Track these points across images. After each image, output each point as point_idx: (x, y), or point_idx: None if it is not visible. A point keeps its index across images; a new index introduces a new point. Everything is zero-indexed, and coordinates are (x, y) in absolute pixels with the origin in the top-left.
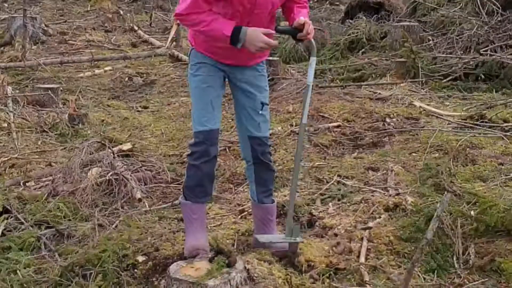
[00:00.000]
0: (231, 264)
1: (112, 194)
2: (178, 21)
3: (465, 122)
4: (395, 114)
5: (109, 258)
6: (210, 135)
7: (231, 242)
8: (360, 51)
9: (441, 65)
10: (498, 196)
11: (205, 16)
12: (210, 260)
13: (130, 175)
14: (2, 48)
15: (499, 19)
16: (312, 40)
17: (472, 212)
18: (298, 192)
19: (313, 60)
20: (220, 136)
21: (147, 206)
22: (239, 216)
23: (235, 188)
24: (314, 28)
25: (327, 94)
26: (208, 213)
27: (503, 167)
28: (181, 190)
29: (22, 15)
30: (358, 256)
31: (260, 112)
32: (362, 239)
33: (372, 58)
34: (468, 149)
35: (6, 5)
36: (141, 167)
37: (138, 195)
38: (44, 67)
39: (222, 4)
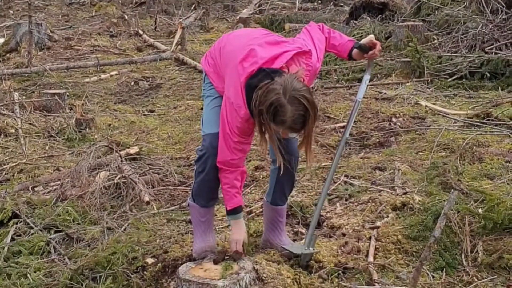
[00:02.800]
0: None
1: (120, 197)
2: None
3: (471, 121)
4: (401, 113)
5: (118, 260)
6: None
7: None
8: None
9: (446, 64)
10: (505, 194)
11: (234, 178)
12: (215, 262)
13: (138, 178)
14: (8, 55)
15: (503, 17)
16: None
17: (479, 210)
18: (305, 192)
19: (368, 78)
20: None
21: (155, 209)
22: (247, 218)
23: (243, 189)
24: None
25: (333, 94)
26: (216, 215)
27: (510, 164)
28: (189, 192)
29: (27, 21)
30: (367, 255)
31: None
32: (370, 238)
33: (377, 58)
34: (474, 147)
35: (11, 12)
36: (148, 170)
37: (146, 198)
38: (50, 72)
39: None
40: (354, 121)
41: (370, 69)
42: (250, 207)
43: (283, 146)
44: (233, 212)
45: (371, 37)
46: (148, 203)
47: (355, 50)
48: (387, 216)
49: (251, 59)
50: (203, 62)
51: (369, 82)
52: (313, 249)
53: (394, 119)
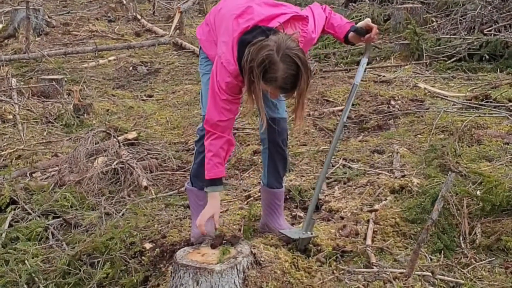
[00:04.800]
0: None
1: (118, 182)
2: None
3: (470, 103)
4: (399, 96)
5: (116, 246)
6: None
7: (237, 227)
8: None
9: (445, 46)
10: (503, 175)
11: (219, 146)
12: (212, 246)
13: (136, 164)
14: (6, 41)
15: None
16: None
17: (478, 192)
18: (303, 176)
19: (365, 61)
20: None
21: (154, 194)
22: (245, 202)
23: (241, 174)
24: None
25: (332, 78)
26: None
27: (508, 146)
28: (187, 176)
29: (25, 7)
30: (365, 238)
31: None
32: (368, 221)
33: (375, 41)
34: (473, 129)
35: None
36: (146, 155)
37: (144, 183)
38: (48, 58)
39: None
40: (353, 105)
41: (367, 52)
42: (248, 192)
43: (273, 126)
44: (212, 183)
45: (368, 20)
46: (146, 188)
47: (351, 33)
48: (386, 199)
49: (247, 15)
50: (198, 30)
51: (367, 65)
52: (311, 234)
53: (392, 102)
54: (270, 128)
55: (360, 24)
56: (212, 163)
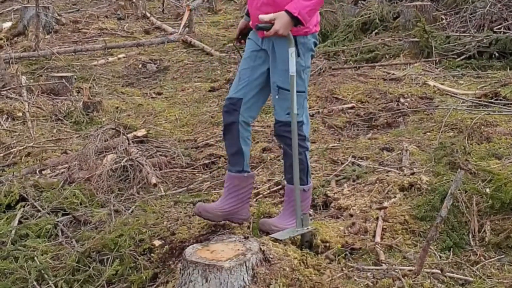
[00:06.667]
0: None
1: (128, 180)
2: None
3: (479, 100)
4: (409, 94)
5: (125, 243)
6: (226, 102)
7: (246, 224)
8: (373, 32)
9: (455, 44)
10: None
11: None
12: None
13: (145, 161)
14: (15, 38)
15: None
16: (290, 33)
17: (487, 190)
18: (313, 173)
19: (292, 50)
20: None
21: (163, 191)
22: (255, 199)
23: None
24: (326, 10)
25: (341, 75)
26: None
27: None
28: (196, 174)
29: (34, 5)
30: (374, 236)
31: (276, 96)
32: (377, 219)
33: (385, 39)
34: (482, 127)
35: None
36: (155, 152)
37: (154, 180)
38: (58, 56)
39: None
40: (362, 102)
41: (290, 43)
42: (257, 189)
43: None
44: None
45: (269, 16)
46: (155, 185)
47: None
48: (395, 197)
49: None
50: None
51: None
52: (307, 228)
53: (402, 100)
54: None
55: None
56: None
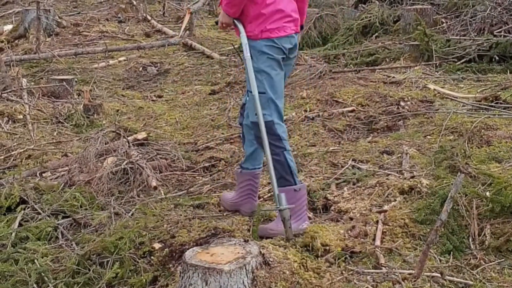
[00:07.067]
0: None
1: (128, 182)
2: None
3: (479, 104)
4: (409, 97)
5: (125, 245)
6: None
7: (246, 227)
8: (374, 35)
9: (455, 47)
10: None
11: None
12: None
13: (145, 164)
14: (16, 41)
15: None
16: (242, 35)
17: (487, 193)
18: (312, 177)
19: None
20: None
21: (163, 194)
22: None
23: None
24: (327, 14)
25: (341, 79)
26: None
27: None
28: (197, 177)
29: (35, 7)
30: (374, 239)
31: (247, 98)
32: (377, 222)
33: (385, 42)
34: (483, 130)
35: None
36: (156, 155)
37: (154, 183)
38: (59, 58)
39: None
40: (362, 105)
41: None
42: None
43: None
44: None
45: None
46: (155, 188)
47: None
48: (395, 200)
49: None
50: None
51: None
52: (284, 206)
53: (402, 103)
54: None
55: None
56: None
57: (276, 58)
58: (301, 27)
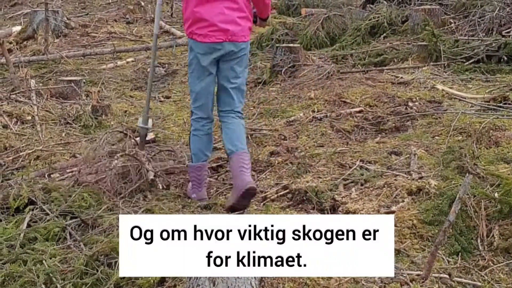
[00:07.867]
0: None
1: (136, 183)
2: None
3: (488, 104)
4: (417, 98)
5: None
6: None
7: None
8: (382, 36)
9: (463, 47)
10: None
11: None
12: None
13: (153, 165)
14: (25, 42)
15: None
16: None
17: (496, 194)
18: (320, 177)
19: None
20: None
21: (171, 194)
22: (262, 204)
23: (258, 175)
24: (335, 14)
25: (349, 79)
26: None
27: None
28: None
29: (44, 9)
30: None
31: None
32: None
33: (393, 43)
34: (491, 131)
35: None
36: (164, 156)
37: (161, 184)
38: (67, 59)
39: None
40: (370, 106)
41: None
42: (265, 193)
43: None
44: None
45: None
46: (163, 188)
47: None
48: (403, 201)
49: None
50: None
51: None
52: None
53: (410, 104)
54: None
55: None
56: None
57: (200, 58)
58: (265, 19)
